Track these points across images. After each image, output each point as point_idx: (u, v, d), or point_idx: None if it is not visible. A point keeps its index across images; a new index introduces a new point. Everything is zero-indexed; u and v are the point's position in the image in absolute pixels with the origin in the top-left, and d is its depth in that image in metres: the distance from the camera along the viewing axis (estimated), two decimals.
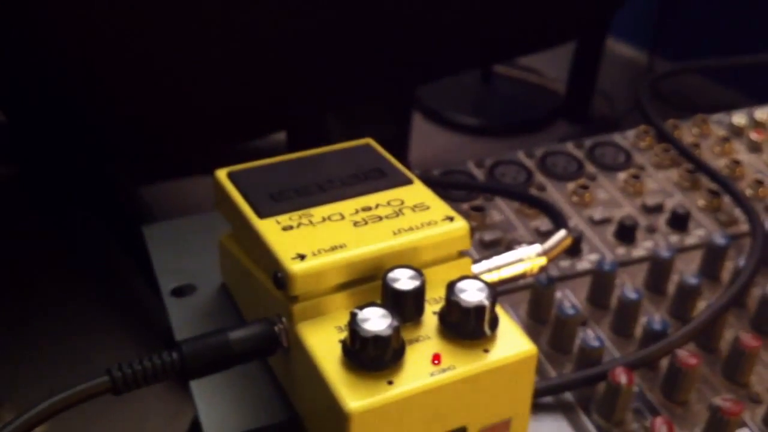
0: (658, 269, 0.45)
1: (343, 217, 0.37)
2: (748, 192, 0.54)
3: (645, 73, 1.67)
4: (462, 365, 0.32)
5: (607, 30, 1.67)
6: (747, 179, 0.55)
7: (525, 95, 1.84)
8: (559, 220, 0.44)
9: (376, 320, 0.31)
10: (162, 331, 0.42)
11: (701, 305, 0.44)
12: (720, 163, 0.56)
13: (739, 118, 0.61)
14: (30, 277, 1.22)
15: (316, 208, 0.37)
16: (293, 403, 0.37)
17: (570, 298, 0.45)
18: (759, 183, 0.54)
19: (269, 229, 0.36)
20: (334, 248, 0.35)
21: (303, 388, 0.35)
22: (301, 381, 0.35)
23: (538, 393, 0.38)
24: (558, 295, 0.45)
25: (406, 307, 0.33)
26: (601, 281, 0.44)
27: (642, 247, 0.49)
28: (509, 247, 0.42)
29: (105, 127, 0.86)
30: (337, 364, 0.32)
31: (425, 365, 0.32)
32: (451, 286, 0.33)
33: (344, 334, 0.32)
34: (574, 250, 0.48)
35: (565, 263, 0.47)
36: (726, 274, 0.47)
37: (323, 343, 0.33)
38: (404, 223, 0.37)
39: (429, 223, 0.37)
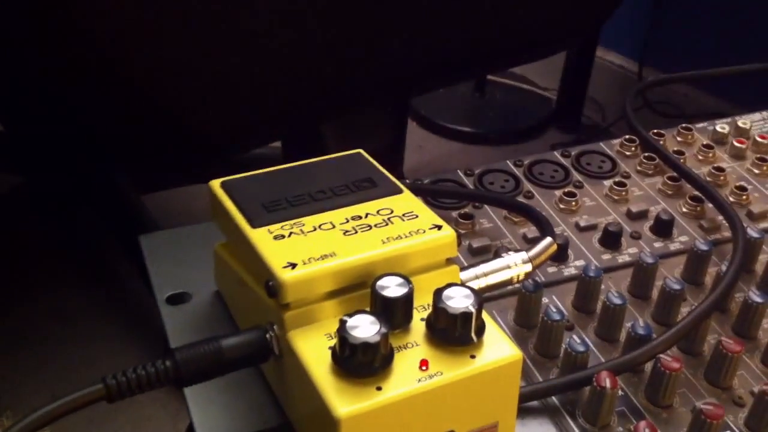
0: (642, 275, 0.46)
1: (333, 226, 0.38)
2: (731, 199, 0.55)
3: (635, 82, 1.69)
4: (449, 371, 0.33)
5: (597, 40, 1.68)
6: (730, 186, 0.56)
7: (518, 103, 1.85)
8: (544, 228, 0.45)
9: (365, 327, 0.32)
10: (164, 337, 0.43)
11: (684, 310, 0.45)
12: (703, 171, 0.57)
13: (722, 127, 0.62)
14: (33, 283, 1.23)
15: (307, 218, 0.38)
16: (285, 409, 0.38)
17: (556, 304, 0.46)
18: (741, 190, 0.55)
19: (261, 238, 0.37)
20: (324, 257, 0.36)
21: (294, 395, 0.36)
22: (292, 387, 0.36)
23: (524, 397, 0.39)
24: (545, 300, 0.46)
25: (394, 314, 0.34)
26: (586, 287, 0.45)
27: (627, 253, 0.50)
28: (497, 253, 0.43)
29: (106, 136, 0.87)
30: (327, 370, 0.33)
31: (413, 371, 0.33)
32: (438, 294, 0.34)
33: (334, 342, 0.33)
34: (560, 256, 0.49)
35: (551, 269, 0.48)
36: (709, 280, 0.48)
37: (313, 350, 0.34)
38: (393, 231, 0.38)
39: (417, 232, 0.38)
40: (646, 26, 1.71)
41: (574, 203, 0.53)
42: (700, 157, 0.59)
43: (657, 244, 0.51)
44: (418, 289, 0.35)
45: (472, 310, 0.33)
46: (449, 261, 0.38)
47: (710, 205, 0.53)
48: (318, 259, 0.35)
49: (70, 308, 1.19)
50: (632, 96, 0.63)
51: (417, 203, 0.40)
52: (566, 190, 0.54)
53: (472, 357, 0.34)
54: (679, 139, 0.61)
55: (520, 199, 0.54)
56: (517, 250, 0.42)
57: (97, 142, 0.89)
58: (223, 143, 0.92)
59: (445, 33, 0.96)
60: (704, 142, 0.60)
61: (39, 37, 0.76)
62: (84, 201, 1.19)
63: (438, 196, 0.53)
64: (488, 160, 0.57)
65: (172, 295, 0.45)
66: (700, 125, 0.63)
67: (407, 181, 0.53)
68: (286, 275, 0.34)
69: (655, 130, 0.61)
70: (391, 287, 0.34)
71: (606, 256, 0.50)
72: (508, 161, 0.58)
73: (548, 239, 0.44)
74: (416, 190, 0.48)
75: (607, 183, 0.56)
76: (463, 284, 0.35)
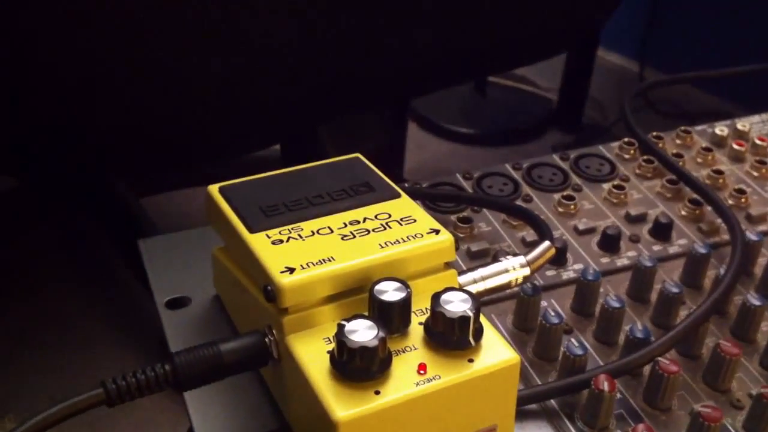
0: (641, 278, 0.46)
1: (331, 231, 0.38)
2: (730, 201, 0.55)
3: (636, 82, 1.69)
4: (447, 375, 0.33)
5: (597, 40, 1.68)
6: (729, 189, 0.56)
7: (518, 104, 1.85)
8: (543, 231, 0.45)
9: (363, 332, 0.32)
10: (163, 340, 0.43)
11: (683, 313, 0.45)
12: (702, 174, 0.58)
13: (721, 129, 0.62)
14: (32, 286, 1.23)
15: (306, 222, 0.38)
16: (284, 413, 0.38)
17: (555, 307, 0.46)
18: (740, 192, 0.55)
19: (259, 243, 0.37)
20: (322, 261, 0.36)
21: (293, 398, 0.36)
22: (291, 391, 0.36)
23: (523, 401, 0.39)
24: (543, 304, 0.46)
25: (392, 318, 0.34)
26: (585, 290, 0.45)
27: (625, 257, 0.50)
28: (496, 257, 0.43)
29: (105, 138, 0.87)
30: (325, 374, 0.33)
31: (411, 375, 0.33)
32: (435, 298, 0.34)
33: (332, 346, 0.33)
34: (559, 259, 0.49)
35: (550, 273, 0.48)
36: (708, 283, 0.48)
37: (312, 354, 0.34)
38: (391, 236, 0.38)
39: (415, 236, 0.38)
40: (646, 26, 1.71)
41: (572, 206, 0.53)
42: (699, 160, 0.59)
43: (656, 248, 0.51)
44: (416, 294, 0.35)
45: (470, 314, 0.33)
46: (447, 265, 0.38)
47: (709, 208, 0.53)
48: (316, 264, 0.36)
49: (69, 311, 1.19)
50: (631, 98, 0.63)
51: (415, 207, 0.40)
52: (565, 193, 0.54)
53: (470, 361, 0.34)
54: (678, 141, 0.61)
55: (519, 202, 0.54)
56: (515, 254, 0.43)
57: (91, 148, 0.90)
58: (222, 146, 0.92)
59: (445, 34, 0.96)
60: (703, 145, 0.61)
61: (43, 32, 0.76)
62: (83, 204, 1.20)
63: (436, 199, 0.53)
64: (489, 161, 0.57)
65: (172, 299, 0.45)
66: (700, 128, 0.63)
67: (406, 185, 0.53)
68: (284, 280, 0.34)
69: (654, 133, 0.61)
70: (389, 291, 0.34)
71: (605, 260, 0.50)
72: (506, 164, 0.58)
73: (546, 243, 0.44)
74: (414, 194, 0.48)
75: (606, 186, 0.56)
76: (460, 288, 0.35)
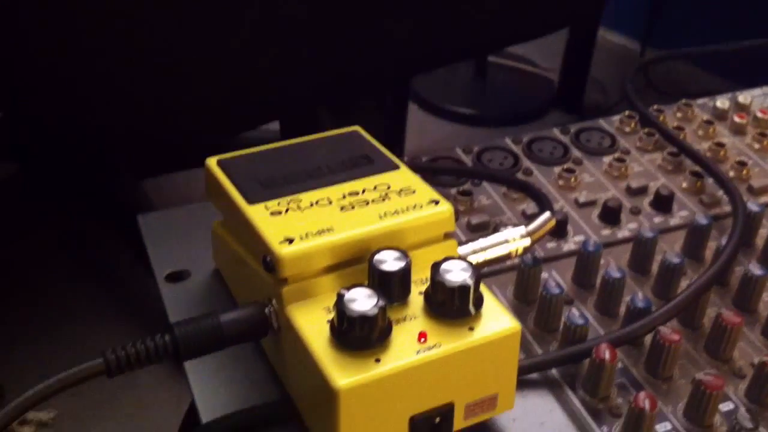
0: (642, 249, 0.46)
1: (330, 202, 0.38)
2: (731, 174, 0.55)
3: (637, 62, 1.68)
4: (447, 343, 0.33)
5: (599, 19, 1.68)
6: (730, 161, 0.56)
7: (519, 85, 1.85)
8: (543, 203, 0.45)
9: (362, 300, 0.32)
10: (160, 319, 0.43)
11: (684, 285, 0.45)
12: (704, 146, 0.57)
13: (722, 102, 0.62)
14: (31, 271, 1.23)
15: (304, 194, 0.38)
16: (285, 383, 0.38)
17: (556, 279, 0.46)
18: (742, 164, 0.55)
19: (258, 214, 0.37)
20: (321, 232, 0.36)
21: (293, 369, 0.36)
22: (292, 361, 0.36)
23: (524, 370, 0.39)
24: (544, 275, 0.46)
25: (392, 287, 0.34)
26: (585, 261, 0.45)
27: (626, 229, 0.50)
28: (496, 230, 0.43)
29: (104, 119, 0.87)
30: (325, 344, 0.33)
31: (411, 343, 0.33)
32: (435, 267, 0.34)
33: (332, 315, 0.33)
34: (560, 232, 0.49)
35: (551, 245, 0.48)
36: (709, 255, 0.48)
37: (312, 324, 0.34)
38: (390, 206, 0.38)
39: (414, 207, 0.38)
40: (647, 6, 1.70)
41: (573, 179, 0.53)
42: (701, 133, 0.59)
43: (657, 220, 0.51)
44: (416, 264, 0.35)
45: (470, 282, 0.33)
46: (447, 236, 0.38)
47: (710, 180, 0.53)
48: (315, 234, 0.35)
49: (69, 296, 1.19)
50: (633, 73, 0.63)
51: (414, 178, 0.40)
52: (565, 166, 0.54)
53: (471, 329, 0.34)
54: (679, 115, 0.61)
55: (519, 176, 0.54)
56: (515, 225, 0.42)
57: (98, 128, 0.89)
58: (222, 126, 0.92)
59: (444, 10, 0.96)
60: (704, 118, 0.60)
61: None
62: (82, 187, 1.20)
63: (436, 173, 0.53)
64: (489, 142, 0.57)
65: (171, 272, 0.45)
66: (701, 101, 0.63)
67: (405, 159, 0.53)
68: (283, 250, 0.34)
69: (656, 106, 0.61)
70: (389, 261, 0.34)
71: (605, 232, 0.50)
72: (506, 138, 0.57)
73: (547, 214, 0.44)
74: (414, 168, 0.48)
75: (607, 159, 0.55)
76: (460, 257, 0.35)
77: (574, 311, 0.41)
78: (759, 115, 0.60)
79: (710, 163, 0.53)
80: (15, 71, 0.82)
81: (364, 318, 0.32)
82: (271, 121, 1.13)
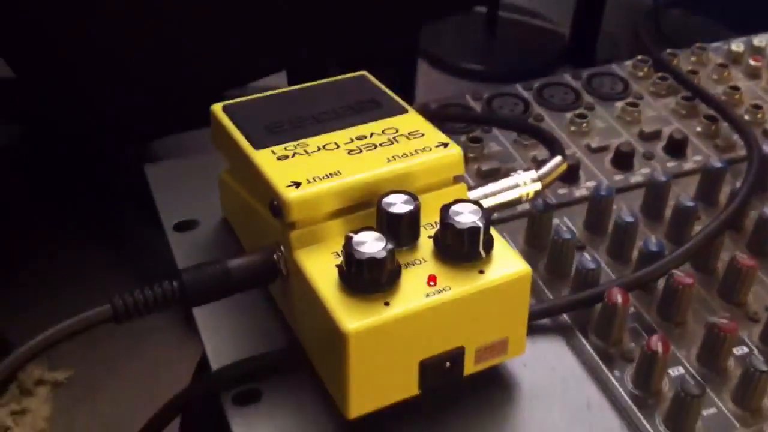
0: (655, 194, 0.46)
1: (337, 146, 0.37)
2: (747, 117, 0.54)
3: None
4: (457, 286, 0.33)
5: None
6: (745, 105, 0.55)
7: (529, 40, 1.82)
8: (554, 147, 0.45)
9: (371, 243, 0.32)
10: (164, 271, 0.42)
11: (698, 229, 0.44)
12: (718, 90, 0.56)
13: (737, 46, 0.60)
14: (36, 234, 1.23)
15: (311, 138, 0.38)
16: (293, 329, 0.38)
17: (567, 224, 0.45)
18: (757, 108, 0.54)
19: (265, 159, 0.36)
20: (328, 175, 0.35)
21: (302, 314, 0.36)
22: (301, 307, 0.35)
23: (535, 315, 0.39)
24: (555, 221, 0.45)
25: (401, 230, 0.34)
26: (598, 206, 0.45)
27: (639, 174, 0.49)
28: (506, 176, 0.42)
29: (109, 77, 0.86)
30: (334, 288, 0.32)
31: (421, 287, 0.33)
32: (445, 209, 0.33)
33: (341, 260, 0.33)
34: (571, 177, 0.48)
35: (562, 191, 0.47)
36: (723, 199, 0.47)
37: (320, 268, 0.33)
38: (398, 150, 0.37)
39: (423, 150, 0.37)
40: None
41: (585, 125, 0.52)
42: (715, 77, 0.58)
43: (670, 164, 0.50)
44: (425, 207, 0.34)
45: (480, 224, 0.33)
46: (457, 179, 0.38)
47: (725, 124, 0.52)
48: (323, 178, 0.35)
49: (77, 259, 1.20)
50: (645, 17, 0.61)
51: (422, 122, 0.39)
52: (577, 112, 0.53)
53: (481, 272, 0.33)
54: (693, 59, 0.60)
55: (530, 122, 0.53)
56: (526, 170, 0.42)
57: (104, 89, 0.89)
58: (229, 75, 0.91)
59: None
60: (719, 62, 0.59)
61: None
62: (88, 149, 1.19)
63: (446, 119, 0.52)
64: None
65: (179, 222, 0.45)
66: (715, 45, 0.62)
67: (415, 105, 0.52)
68: (290, 194, 0.34)
69: (669, 50, 0.59)
70: (398, 204, 0.34)
71: (618, 177, 0.49)
72: (517, 84, 0.56)
73: (558, 158, 0.43)
74: (424, 115, 0.47)
75: (619, 104, 0.54)
76: (470, 200, 0.34)
77: (586, 256, 0.41)
78: None
79: (725, 107, 0.52)
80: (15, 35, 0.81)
81: (372, 261, 0.31)
82: (280, 70, 1.12)
